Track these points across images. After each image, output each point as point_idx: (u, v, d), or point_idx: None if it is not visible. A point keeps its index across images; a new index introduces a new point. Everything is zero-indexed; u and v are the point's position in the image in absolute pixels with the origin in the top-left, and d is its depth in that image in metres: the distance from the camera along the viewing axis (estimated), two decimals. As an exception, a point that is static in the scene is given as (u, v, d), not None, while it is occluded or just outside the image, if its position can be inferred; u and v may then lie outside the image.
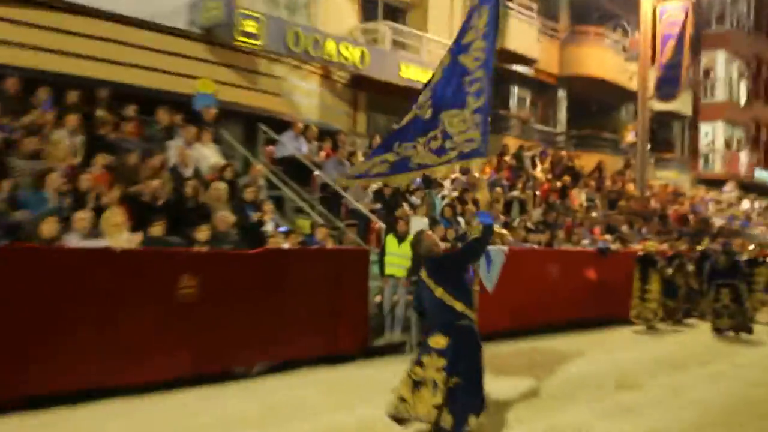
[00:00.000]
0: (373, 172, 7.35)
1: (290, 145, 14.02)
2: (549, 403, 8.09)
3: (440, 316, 6.19)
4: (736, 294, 14.26)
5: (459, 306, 6.15)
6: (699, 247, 17.43)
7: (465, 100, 6.89)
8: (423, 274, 6.36)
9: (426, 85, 7.37)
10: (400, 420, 6.29)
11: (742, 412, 7.94)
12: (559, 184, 19.00)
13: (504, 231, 13.55)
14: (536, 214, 16.72)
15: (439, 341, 6.13)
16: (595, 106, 29.75)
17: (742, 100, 36.80)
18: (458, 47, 7.11)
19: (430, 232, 6.81)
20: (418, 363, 6.16)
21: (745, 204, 29.59)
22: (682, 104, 31.99)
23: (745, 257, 17.02)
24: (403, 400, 6.18)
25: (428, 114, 7.09)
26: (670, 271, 15.43)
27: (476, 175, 16.83)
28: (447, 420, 5.98)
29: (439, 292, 6.18)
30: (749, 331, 14.03)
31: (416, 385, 6.13)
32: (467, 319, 6.16)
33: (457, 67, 6.98)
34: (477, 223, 6.70)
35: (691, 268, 16.18)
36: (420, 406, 6.08)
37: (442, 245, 6.71)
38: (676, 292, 15.54)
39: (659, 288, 14.93)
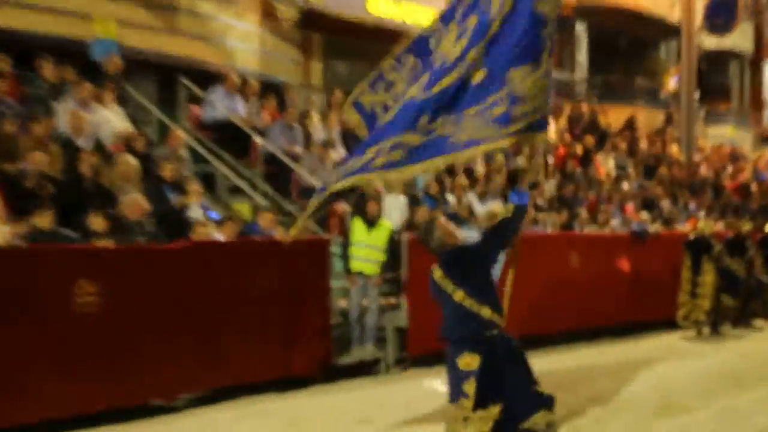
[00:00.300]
0: (376, 164, 6.80)
1: (222, 105, 13.98)
2: (569, 432, 8.18)
3: (463, 327, 6.16)
4: None
5: (486, 312, 6.12)
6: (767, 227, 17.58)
7: (540, 58, 6.74)
8: (437, 273, 6.31)
9: (476, 37, 7.03)
10: None
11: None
12: (579, 147, 19.12)
13: (503, 209, 13.58)
14: (549, 187, 16.82)
15: (469, 362, 6.08)
16: (626, 43, 29.89)
17: (819, 33, 37.16)
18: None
19: (443, 219, 6.66)
20: (461, 394, 6.09)
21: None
22: (740, 39, 32.24)
23: None
24: None
25: (480, 75, 6.88)
26: (728, 259, 15.63)
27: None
28: None
29: (458, 296, 6.14)
30: None
31: (466, 420, 6.10)
32: (497, 328, 6.14)
33: (533, 15, 6.79)
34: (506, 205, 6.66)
35: (754, 254, 16.36)
36: None
37: (460, 235, 6.58)
38: (737, 286, 15.72)
39: (715, 281, 15.16)
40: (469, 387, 6.03)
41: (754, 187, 23.16)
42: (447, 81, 6.80)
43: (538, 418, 6.10)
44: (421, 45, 7.63)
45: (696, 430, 8.25)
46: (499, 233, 6.47)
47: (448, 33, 7.16)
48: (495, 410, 6.03)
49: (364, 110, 7.77)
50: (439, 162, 6.78)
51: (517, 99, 6.59)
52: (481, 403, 6.01)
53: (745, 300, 15.92)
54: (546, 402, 6.21)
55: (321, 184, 7.93)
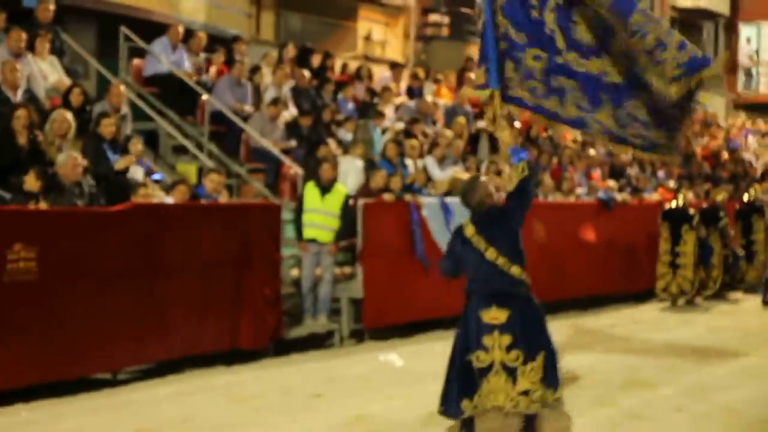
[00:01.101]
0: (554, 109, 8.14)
1: (166, 59, 13.89)
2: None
3: (493, 283, 6.86)
4: None
5: (516, 271, 6.86)
6: (746, 197, 17.85)
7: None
8: (468, 231, 6.94)
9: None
10: (470, 421, 7.00)
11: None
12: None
13: (467, 176, 13.69)
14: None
15: (496, 316, 6.80)
16: None
17: (798, -7, 37.57)
18: None
19: (485, 179, 7.36)
20: (480, 346, 6.81)
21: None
22: (715, -1, 32.58)
23: None
24: (478, 396, 6.83)
25: (618, 79, 7.80)
26: (704, 231, 15.98)
27: (434, 102, 16.98)
28: (550, 394, 6.87)
29: (491, 254, 6.82)
30: None
31: (484, 373, 6.80)
32: (524, 287, 6.92)
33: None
34: (513, 164, 7.33)
35: (726, 225, 16.65)
36: (496, 395, 6.79)
37: (497, 196, 7.29)
38: (710, 257, 16.06)
39: (695, 251, 15.53)
40: (491, 339, 6.77)
41: (725, 155, 23.51)
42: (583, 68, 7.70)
43: (560, 391, 6.99)
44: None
45: (660, 406, 8.42)
46: (524, 191, 7.15)
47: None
48: (541, 359, 6.82)
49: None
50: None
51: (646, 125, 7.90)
52: (529, 355, 6.76)
53: (720, 271, 16.29)
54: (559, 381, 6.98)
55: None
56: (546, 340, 6.97)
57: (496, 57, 7.81)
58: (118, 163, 10.79)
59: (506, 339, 6.79)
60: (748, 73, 36.30)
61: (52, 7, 12.69)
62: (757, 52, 36.24)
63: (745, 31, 36.12)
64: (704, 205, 16.71)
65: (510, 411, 6.90)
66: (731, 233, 16.60)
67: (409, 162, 14.11)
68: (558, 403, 7.19)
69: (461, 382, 6.97)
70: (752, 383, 9.62)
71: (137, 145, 11.26)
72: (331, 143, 13.57)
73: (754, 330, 13.20)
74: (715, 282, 16.23)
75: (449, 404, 7.05)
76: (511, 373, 6.79)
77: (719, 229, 16.42)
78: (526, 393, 6.80)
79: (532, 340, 6.85)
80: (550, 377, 6.88)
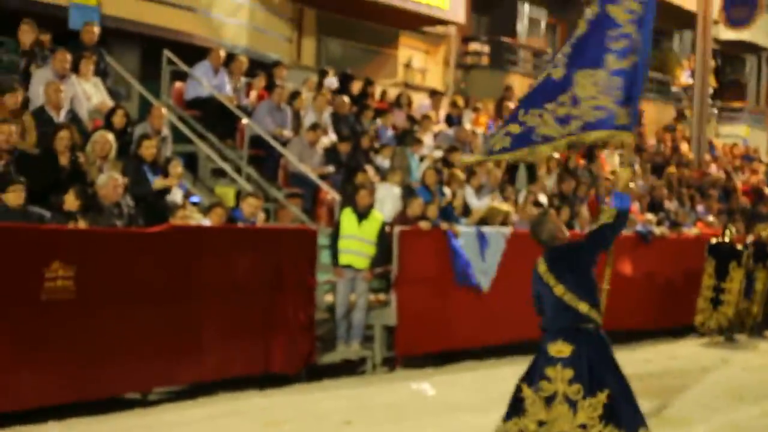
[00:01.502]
0: (496, 147, 8.02)
1: (207, 82, 14.00)
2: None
3: (561, 319, 7.07)
4: None
5: (583, 307, 6.99)
6: None
7: (603, 59, 7.58)
8: (541, 267, 7.17)
9: (567, 39, 8.11)
10: None
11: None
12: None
13: (505, 206, 13.72)
14: (550, 182, 16.89)
15: (561, 349, 6.98)
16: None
17: None
18: None
19: (554, 213, 7.73)
20: (542, 377, 7.01)
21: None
22: (758, 33, 32.35)
23: None
24: (541, 424, 7.00)
25: (559, 74, 7.78)
26: (752, 265, 15.98)
27: (473, 130, 17.00)
28: None
29: (559, 290, 7.01)
30: None
31: (548, 401, 6.98)
32: (593, 323, 7.02)
33: (605, 18, 7.69)
34: (609, 207, 7.30)
35: None
36: (562, 423, 6.94)
37: (567, 232, 7.38)
38: (752, 292, 16.03)
39: (741, 288, 15.52)
40: (554, 372, 6.94)
41: (767, 190, 23.29)
42: (541, 77, 7.81)
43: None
44: None
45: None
46: (602, 237, 7.25)
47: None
48: (602, 396, 6.84)
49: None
50: (522, 153, 7.85)
51: (577, 101, 7.53)
52: (589, 391, 6.84)
53: (761, 308, 16.20)
54: (644, 419, 7.01)
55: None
56: (612, 379, 7.01)
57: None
58: (157, 182, 10.89)
59: (568, 372, 6.94)
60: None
61: (96, 29, 12.83)
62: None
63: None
64: (751, 240, 16.66)
65: None
66: None
67: (446, 190, 14.11)
68: None
69: (510, 404, 7.17)
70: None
71: (177, 168, 11.33)
72: (369, 170, 13.59)
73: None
74: (755, 318, 16.19)
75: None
76: (573, 405, 6.93)
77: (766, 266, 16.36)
78: (584, 427, 6.90)
79: (593, 377, 6.94)
80: (614, 416, 6.90)
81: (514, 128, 7.85)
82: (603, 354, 7.07)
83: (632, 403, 7.01)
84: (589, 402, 6.90)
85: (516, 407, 7.14)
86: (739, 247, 15.80)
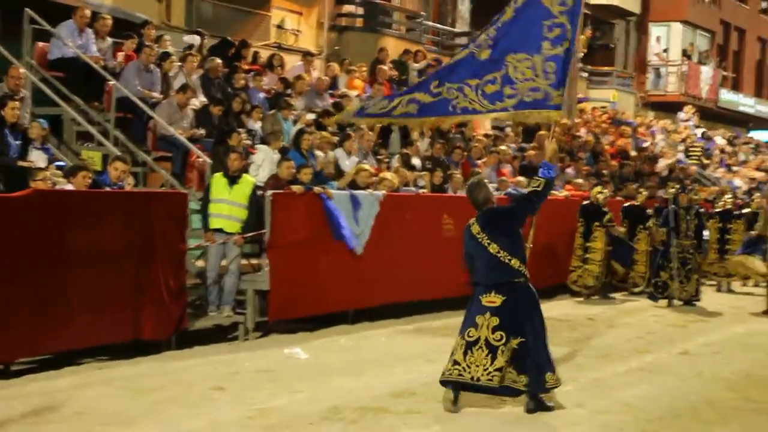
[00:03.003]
0: (396, 112, 9.00)
1: (72, 42, 13.63)
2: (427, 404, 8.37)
3: (494, 273, 8.02)
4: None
5: (515, 263, 7.99)
6: (668, 194, 18.27)
7: (540, 45, 8.62)
8: (474, 228, 8.13)
9: (491, 23, 8.95)
10: (458, 386, 8.02)
11: (687, 417, 8.44)
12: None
13: (369, 168, 13.66)
14: (423, 145, 17.00)
15: (493, 300, 7.95)
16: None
17: (707, -5, 38.41)
18: None
19: (487, 181, 8.81)
20: (472, 324, 7.96)
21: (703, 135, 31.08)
22: (626, -2, 33.11)
23: (718, 209, 19.25)
24: (456, 363, 7.95)
25: (486, 55, 8.76)
26: (622, 229, 16.78)
27: (351, 95, 16.95)
28: (521, 381, 7.91)
29: (494, 248, 7.99)
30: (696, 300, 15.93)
31: (469, 346, 7.92)
32: (523, 277, 8.04)
33: (538, 8, 8.70)
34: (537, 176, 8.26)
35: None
36: (475, 368, 7.85)
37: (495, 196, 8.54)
38: (630, 255, 16.84)
39: (604, 248, 16.27)
40: (482, 319, 7.92)
41: (633, 153, 23.92)
42: (461, 55, 8.74)
43: (550, 378, 8.00)
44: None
45: (562, 401, 8.51)
46: (530, 203, 8.30)
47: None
48: (514, 343, 7.86)
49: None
50: (437, 120, 9.15)
51: (510, 81, 8.51)
52: (508, 339, 7.84)
53: (647, 269, 16.99)
54: (553, 366, 8.07)
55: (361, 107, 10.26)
56: (530, 328, 7.96)
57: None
58: (18, 147, 10.57)
59: (495, 320, 7.87)
60: (657, 74, 36.99)
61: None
62: (666, 51, 36.96)
63: (656, 30, 36.81)
64: (627, 203, 17.46)
65: (485, 384, 7.88)
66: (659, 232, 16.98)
67: (319, 153, 14.07)
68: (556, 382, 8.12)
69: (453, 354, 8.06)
70: (650, 380, 9.83)
71: (38, 130, 11.04)
72: (241, 133, 13.44)
73: (651, 327, 13.50)
74: (643, 279, 17.04)
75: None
76: (492, 350, 7.82)
77: (646, 228, 17.09)
78: (500, 370, 7.80)
79: (515, 325, 7.88)
80: (520, 362, 7.87)
81: (424, 97, 8.83)
82: (528, 305, 8.04)
83: (545, 352, 8.01)
84: (508, 347, 7.83)
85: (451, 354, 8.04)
86: (605, 209, 16.36)
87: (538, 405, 8.06)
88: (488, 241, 7.99)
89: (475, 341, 7.89)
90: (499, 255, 7.96)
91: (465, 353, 7.92)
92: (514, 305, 7.92)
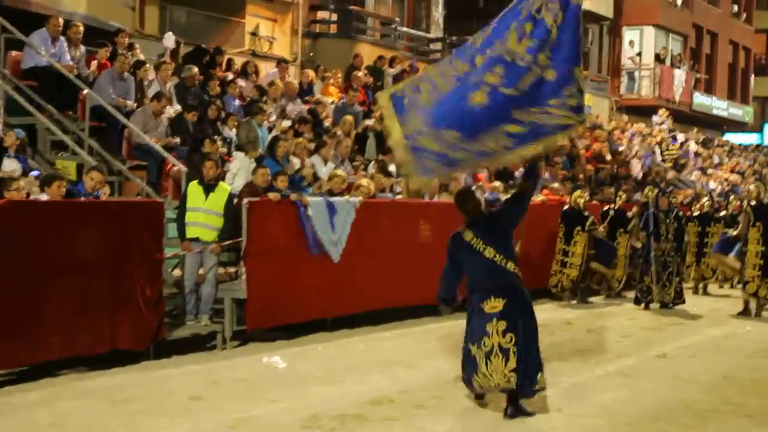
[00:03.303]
0: (494, 147, 8.42)
1: (45, 51, 13.57)
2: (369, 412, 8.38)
3: (492, 278, 8.21)
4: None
5: (511, 266, 8.23)
6: (645, 198, 18.37)
7: (581, 54, 8.77)
8: (467, 235, 8.29)
9: (540, 41, 8.51)
10: (482, 396, 8.50)
11: (665, 420, 8.48)
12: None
13: (343, 174, 13.63)
14: (400, 152, 16.97)
15: (495, 305, 8.16)
16: (484, 0, 30.37)
17: (680, -1, 38.65)
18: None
19: (476, 189, 9.04)
20: (484, 333, 8.15)
21: (679, 138, 31.23)
22: (601, 2, 33.22)
23: (696, 212, 19.50)
24: (483, 375, 8.17)
25: (553, 75, 8.45)
26: (602, 230, 16.88)
27: (326, 102, 16.99)
28: (516, 382, 8.09)
29: (490, 252, 8.19)
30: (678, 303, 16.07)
31: (487, 356, 8.13)
32: (518, 279, 8.30)
33: (577, 17, 8.56)
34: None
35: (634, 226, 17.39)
36: (496, 375, 8.11)
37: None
38: (612, 257, 17.04)
39: (584, 251, 16.42)
40: (492, 326, 8.12)
41: (608, 156, 24.01)
42: (528, 79, 8.41)
43: (540, 379, 8.20)
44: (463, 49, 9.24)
45: (540, 406, 8.55)
46: (520, 204, 8.54)
47: (509, 33, 8.63)
48: (534, 351, 8.21)
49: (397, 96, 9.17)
50: (540, 146, 8.59)
51: (582, 92, 8.55)
52: (523, 345, 8.07)
53: (624, 272, 17.42)
54: (542, 365, 8.29)
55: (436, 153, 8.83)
56: (528, 328, 8.23)
57: None
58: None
59: (502, 324, 8.10)
60: (630, 77, 37.17)
61: None
62: (640, 55, 37.15)
63: (629, 34, 36.99)
64: (607, 207, 17.64)
65: (504, 387, 8.15)
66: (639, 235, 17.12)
67: (295, 160, 14.06)
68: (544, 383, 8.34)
69: (469, 365, 8.32)
70: (628, 384, 9.89)
71: (12, 139, 11.00)
72: (216, 141, 13.41)
73: (628, 331, 13.57)
74: (619, 282, 17.39)
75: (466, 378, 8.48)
76: (506, 353, 8.06)
77: (628, 231, 17.33)
78: (514, 371, 8.06)
79: (527, 334, 8.17)
80: (528, 361, 8.12)
81: (516, 129, 8.42)
82: (525, 306, 8.29)
83: (535, 352, 8.25)
84: (522, 354, 8.07)
85: (472, 365, 8.24)
86: (586, 213, 16.53)
87: (517, 410, 8.17)
88: (483, 246, 8.20)
89: (491, 350, 8.12)
90: (495, 259, 8.18)
91: (486, 363, 8.15)
92: (515, 306, 8.19)
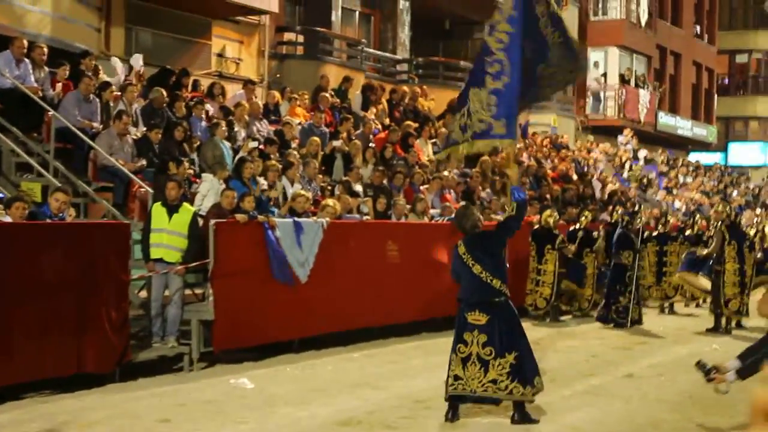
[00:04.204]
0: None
1: (9, 73, 13.51)
2: None
3: (477, 293, 8.64)
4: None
5: (496, 283, 8.60)
6: (614, 218, 18.46)
7: (483, 79, 9.37)
8: (461, 249, 8.77)
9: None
10: (458, 398, 8.76)
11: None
12: (399, 131, 19.42)
13: (306, 194, 13.61)
14: (367, 172, 17.04)
15: (478, 318, 8.59)
16: (450, 23, 30.51)
17: (644, 19, 39.00)
18: (489, 27, 9.69)
19: (476, 208, 9.57)
20: (461, 341, 8.62)
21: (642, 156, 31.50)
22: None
23: (658, 230, 19.66)
24: (457, 378, 8.61)
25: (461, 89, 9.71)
26: (573, 248, 17.07)
27: (293, 123, 17.01)
28: (528, 392, 8.60)
29: (477, 269, 8.61)
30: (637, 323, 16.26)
31: (464, 362, 8.58)
32: (504, 296, 8.65)
33: (484, 46, 9.54)
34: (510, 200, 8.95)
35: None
36: (472, 381, 8.55)
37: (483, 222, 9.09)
38: (582, 276, 17.38)
39: (555, 270, 16.70)
40: (471, 336, 8.58)
41: (575, 177, 24.19)
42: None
43: (538, 382, 8.69)
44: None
45: (509, 427, 8.58)
46: (508, 227, 8.92)
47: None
48: (510, 358, 8.53)
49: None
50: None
51: (470, 113, 9.34)
52: (499, 353, 8.51)
53: (593, 291, 17.59)
54: (538, 371, 8.76)
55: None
56: (521, 342, 8.67)
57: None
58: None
59: (483, 337, 8.52)
60: (596, 98, 37.46)
61: None
62: (605, 75, 37.45)
63: (593, 55, 37.28)
64: (575, 226, 17.79)
65: (481, 395, 8.62)
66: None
67: (261, 181, 14.04)
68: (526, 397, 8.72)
69: (449, 368, 8.73)
70: (596, 403, 9.96)
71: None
72: (184, 163, 13.38)
73: (596, 350, 13.64)
74: (588, 301, 17.56)
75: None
76: (485, 364, 8.50)
77: (595, 250, 17.59)
78: (494, 382, 8.50)
79: (503, 342, 8.53)
80: (520, 374, 8.53)
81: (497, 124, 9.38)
82: (512, 322, 8.69)
83: (532, 361, 8.70)
84: (499, 362, 8.49)
85: (450, 368, 8.69)
86: (556, 231, 16.79)
87: (523, 417, 8.69)
88: (472, 262, 8.62)
89: (467, 357, 8.55)
90: (481, 275, 8.57)
91: (463, 368, 8.58)
92: (500, 323, 8.57)
